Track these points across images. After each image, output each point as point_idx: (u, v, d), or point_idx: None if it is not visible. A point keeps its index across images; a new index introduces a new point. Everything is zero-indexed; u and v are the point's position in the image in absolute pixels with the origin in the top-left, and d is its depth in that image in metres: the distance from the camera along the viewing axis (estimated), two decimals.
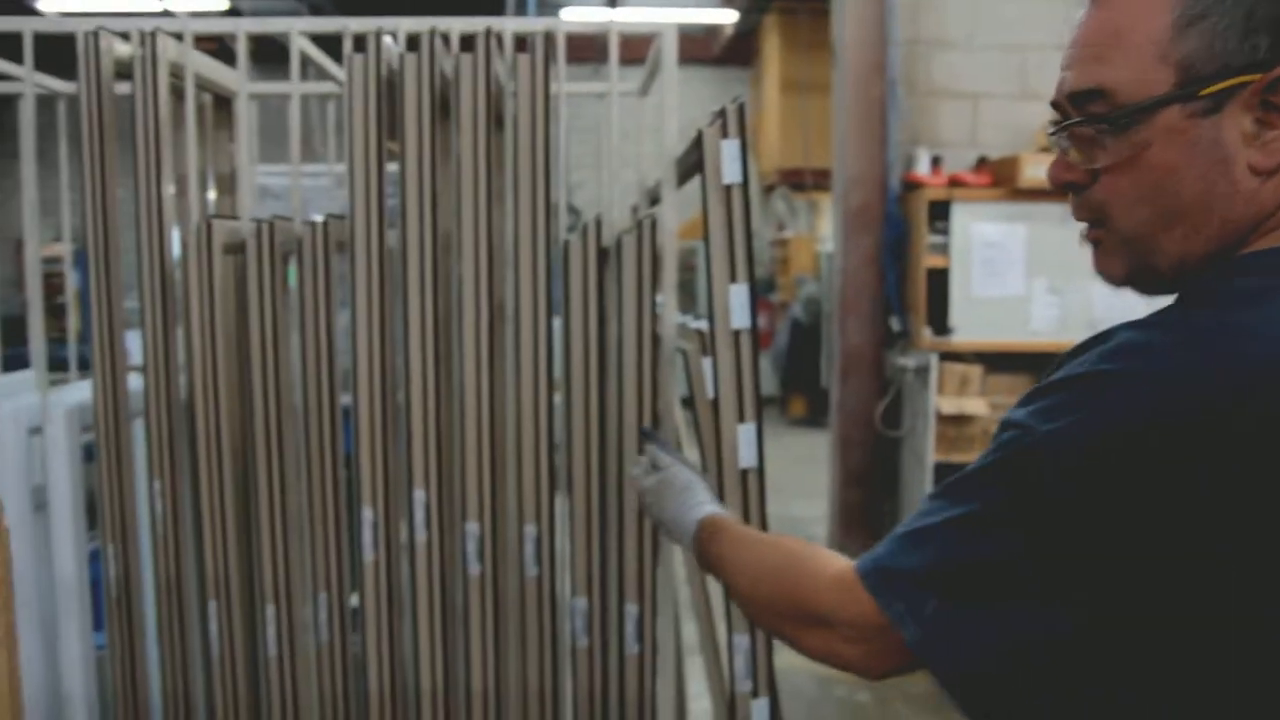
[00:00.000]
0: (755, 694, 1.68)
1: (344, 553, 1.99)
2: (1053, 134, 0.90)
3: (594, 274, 1.79)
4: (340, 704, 2.02)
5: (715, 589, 2.76)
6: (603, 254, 1.82)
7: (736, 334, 1.54)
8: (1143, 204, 0.85)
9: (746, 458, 1.57)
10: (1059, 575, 0.79)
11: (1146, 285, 0.90)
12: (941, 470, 4.13)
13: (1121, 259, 0.89)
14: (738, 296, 1.51)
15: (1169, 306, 0.85)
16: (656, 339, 1.76)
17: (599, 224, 1.79)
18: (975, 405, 4.16)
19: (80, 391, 2.22)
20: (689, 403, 2.02)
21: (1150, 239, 0.85)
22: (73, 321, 2.36)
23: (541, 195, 1.80)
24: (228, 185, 2.31)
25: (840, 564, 0.96)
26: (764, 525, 1.62)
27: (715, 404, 1.60)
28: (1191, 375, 0.76)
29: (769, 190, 10.76)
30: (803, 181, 9.96)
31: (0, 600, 0.54)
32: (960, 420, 4.15)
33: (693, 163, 1.67)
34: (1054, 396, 0.82)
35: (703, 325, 1.93)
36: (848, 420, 4.49)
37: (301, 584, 2.02)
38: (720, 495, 1.64)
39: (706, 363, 1.75)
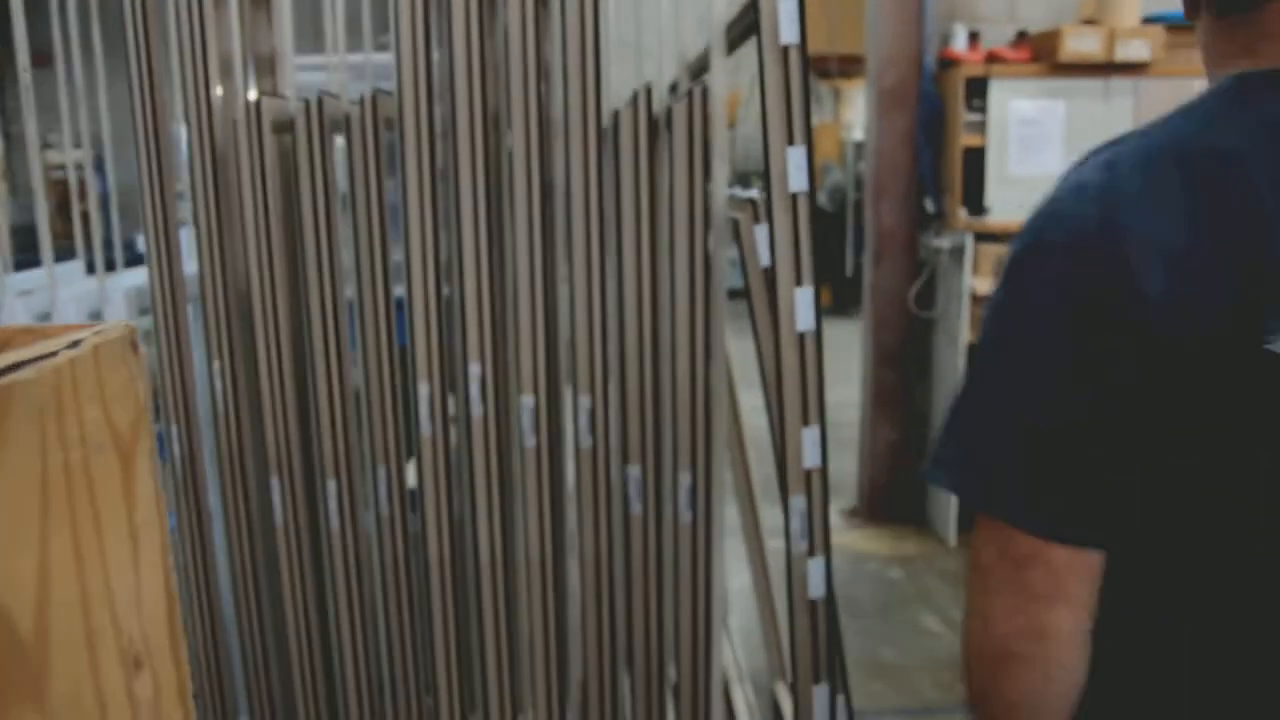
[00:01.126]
0: (811, 553, 1.73)
1: (401, 428, 2.04)
2: None
3: (645, 144, 1.78)
4: (402, 574, 2.09)
5: (755, 464, 2.80)
6: (653, 125, 1.81)
7: (794, 197, 1.54)
8: None
9: (805, 320, 1.58)
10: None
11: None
12: (975, 351, 4.13)
13: None
14: (795, 159, 1.50)
15: None
16: (709, 207, 1.77)
17: (649, 92, 1.78)
18: None
19: (133, 278, 2.26)
20: (736, 294, 2.02)
21: None
22: (97, 226, 2.35)
23: (591, 68, 1.79)
24: (267, 68, 2.29)
25: None
26: (820, 387, 1.64)
27: (771, 271, 1.61)
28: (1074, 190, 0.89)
29: None
30: (828, 68, 9.76)
31: (145, 443, 0.56)
32: None
33: (745, 26, 1.65)
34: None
35: (753, 194, 1.93)
36: (881, 302, 4.49)
37: (360, 459, 2.08)
38: (777, 362, 1.66)
39: (759, 231, 1.75)
